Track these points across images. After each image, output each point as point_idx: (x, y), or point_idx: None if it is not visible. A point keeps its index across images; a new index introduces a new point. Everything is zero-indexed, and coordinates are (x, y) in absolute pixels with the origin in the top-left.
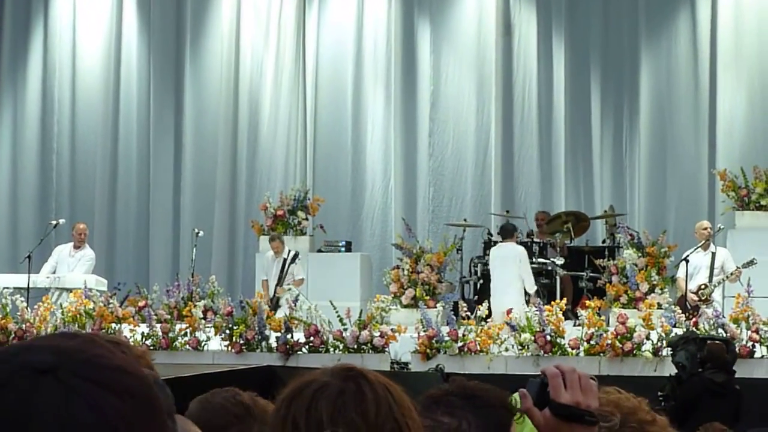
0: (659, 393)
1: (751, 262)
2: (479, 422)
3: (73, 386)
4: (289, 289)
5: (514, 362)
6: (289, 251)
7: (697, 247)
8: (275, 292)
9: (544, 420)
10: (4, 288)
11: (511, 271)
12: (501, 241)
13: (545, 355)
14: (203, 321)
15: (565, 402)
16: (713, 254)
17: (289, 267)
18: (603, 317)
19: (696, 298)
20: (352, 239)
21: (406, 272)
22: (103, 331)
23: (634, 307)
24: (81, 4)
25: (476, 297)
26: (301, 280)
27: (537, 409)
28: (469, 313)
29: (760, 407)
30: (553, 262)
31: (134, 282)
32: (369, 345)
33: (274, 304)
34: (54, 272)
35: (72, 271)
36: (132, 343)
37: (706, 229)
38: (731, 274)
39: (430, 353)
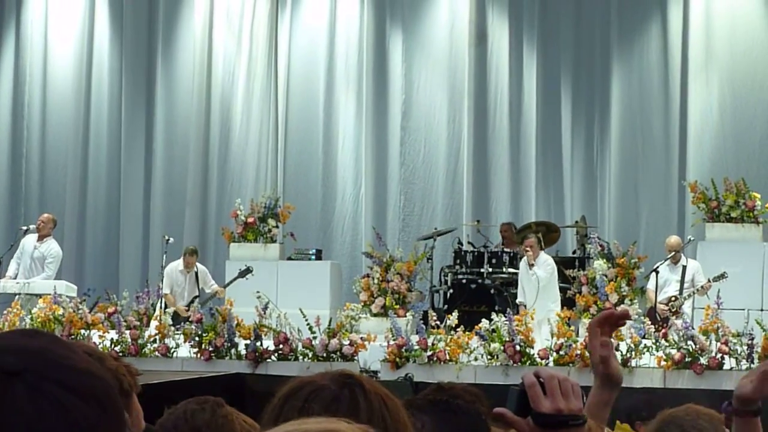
0: None
1: (722, 276)
2: (438, 426)
3: (41, 389)
4: (259, 297)
5: (483, 372)
6: (246, 266)
7: (667, 259)
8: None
9: (528, 429)
10: None
11: None
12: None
13: (514, 365)
14: (172, 328)
15: (546, 411)
16: (684, 267)
17: (235, 279)
18: (572, 327)
19: (666, 309)
20: (322, 247)
21: (376, 281)
22: (72, 337)
23: None
24: (53, 9)
25: (446, 306)
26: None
27: (520, 418)
28: (438, 322)
29: None
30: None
31: (103, 288)
32: (338, 353)
33: (185, 317)
34: (18, 265)
35: (36, 269)
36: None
37: (675, 246)
38: (701, 287)
39: (400, 362)
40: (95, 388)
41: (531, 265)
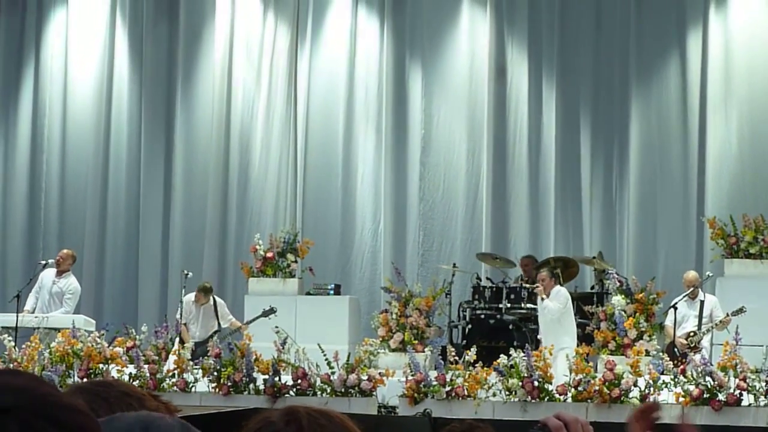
0: None
1: (740, 310)
2: None
3: (33, 425)
4: (277, 331)
5: (502, 407)
6: (270, 306)
7: (685, 295)
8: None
9: None
10: None
11: None
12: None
13: (533, 400)
14: (191, 362)
15: None
16: (702, 302)
17: (257, 318)
18: (591, 363)
19: (685, 344)
20: (341, 282)
21: (394, 316)
22: (91, 371)
23: (622, 354)
24: (73, 44)
25: (465, 341)
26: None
27: None
28: (457, 358)
29: None
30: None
31: (122, 322)
32: (357, 388)
33: (203, 349)
34: (37, 299)
35: (54, 304)
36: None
37: (692, 281)
38: (720, 321)
39: (418, 397)
40: (84, 424)
41: (543, 299)
